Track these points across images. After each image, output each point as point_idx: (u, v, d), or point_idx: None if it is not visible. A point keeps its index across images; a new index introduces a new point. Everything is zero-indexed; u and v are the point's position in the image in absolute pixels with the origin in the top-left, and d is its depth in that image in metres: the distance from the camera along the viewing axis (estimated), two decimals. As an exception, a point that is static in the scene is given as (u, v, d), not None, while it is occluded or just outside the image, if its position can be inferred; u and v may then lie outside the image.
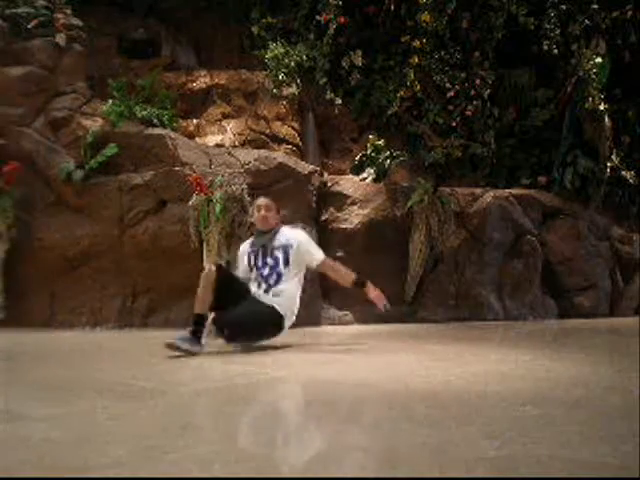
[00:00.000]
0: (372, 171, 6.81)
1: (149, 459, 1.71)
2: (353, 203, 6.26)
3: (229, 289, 3.78)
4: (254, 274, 4.04)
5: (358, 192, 6.34)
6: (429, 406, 2.49)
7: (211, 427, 2.23)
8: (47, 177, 5.64)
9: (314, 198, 6.08)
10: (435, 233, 6.10)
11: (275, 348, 3.95)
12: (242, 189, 5.35)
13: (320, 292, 5.76)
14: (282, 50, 6.93)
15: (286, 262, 3.97)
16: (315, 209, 6.10)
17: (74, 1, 6.38)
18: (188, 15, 8.23)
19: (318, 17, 7.00)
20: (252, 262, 4.08)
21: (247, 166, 5.79)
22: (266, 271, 3.98)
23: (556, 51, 6.99)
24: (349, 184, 6.46)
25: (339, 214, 6.21)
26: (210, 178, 5.44)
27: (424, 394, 2.72)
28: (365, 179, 6.73)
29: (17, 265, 5.48)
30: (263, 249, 4.05)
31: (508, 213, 6.57)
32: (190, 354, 3.49)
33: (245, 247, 4.26)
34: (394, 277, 6.16)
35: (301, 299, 4.13)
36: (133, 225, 5.57)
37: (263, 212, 4.14)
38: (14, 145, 5.64)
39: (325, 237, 6.05)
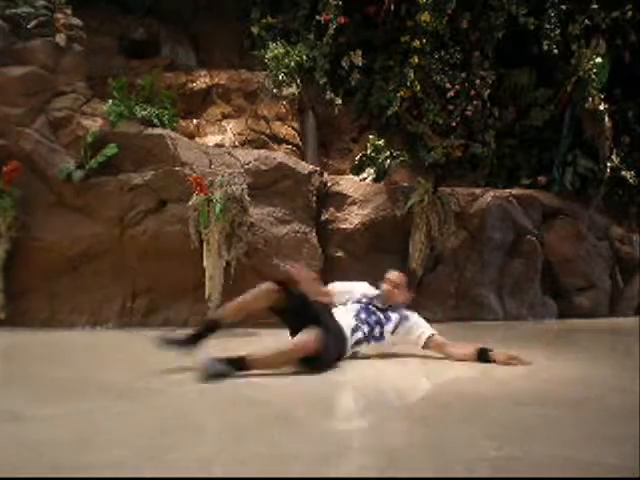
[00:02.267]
0: (372, 171, 6.81)
1: (149, 459, 1.71)
2: (353, 203, 6.25)
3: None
4: (354, 320, 3.62)
5: (358, 192, 6.33)
6: (429, 406, 2.49)
7: (211, 427, 2.23)
8: (47, 177, 5.63)
9: (314, 198, 6.07)
10: (435, 233, 6.11)
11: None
12: (242, 189, 5.34)
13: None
14: (282, 50, 6.92)
15: (394, 330, 3.69)
16: (315, 209, 6.09)
17: (74, 1, 6.37)
18: (188, 15, 8.22)
19: (318, 17, 6.99)
20: (356, 311, 3.69)
21: (247, 166, 5.79)
22: (372, 323, 3.66)
23: (556, 51, 6.98)
24: (349, 184, 6.45)
25: (339, 214, 6.20)
26: (210, 178, 5.43)
27: (424, 394, 2.72)
28: (365, 179, 6.73)
29: (17, 265, 5.48)
30: (376, 309, 3.74)
31: (508, 213, 6.57)
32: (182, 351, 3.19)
33: (358, 293, 3.88)
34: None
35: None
36: (133, 225, 5.56)
37: (389, 287, 3.83)
38: (14, 145, 5.63)
39: (325, 237, 6.06)
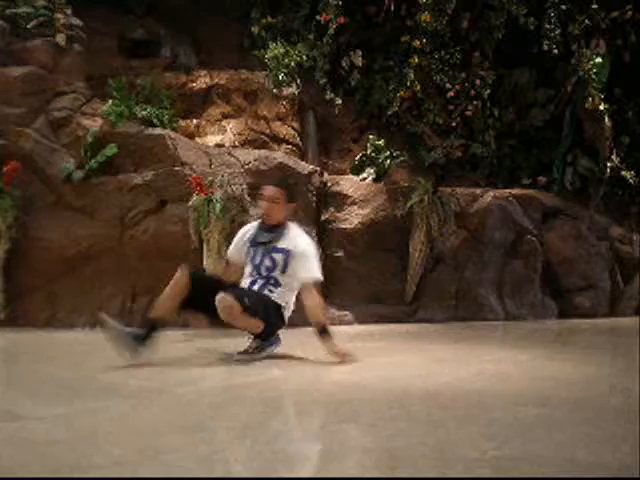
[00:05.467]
0: (372, 171, 6.80)
1: (149, 459, 1.71)
2: (353, 203, 6.25)
3: (204, 292, 3.53)
4: (249, 268, 3.72)
5: (358, 192, 6.33)
6: (429, 406, 2.49)
7: (211, 427, 2.23)
8: (47, 177, 5.63)
9: (314, 198, 6.08)
10: (435, 233, 6.10)
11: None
12: (242, 189, 5.35)
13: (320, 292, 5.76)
14: (282, 50, 6.92)
15: (283, 270, 3.63)
16: (315, 209, 6.10)
17: (74, 1, 6.37)
18: (188, 15, 8.21)
19: (318, 17, 6.99)
20: (250, 255, 3.74)
21: (247, 166, 5.79)
22: (263, 272, 3.65)
23: (556, 51, 6.97)
24: (349, 184, 6.45)
25: (339, 214, 6.20)
26: (210, 178, 5.43)
27: (424, 394, 2.72)
28: (365, 179, 6.73)
29: (17, 265, 5.48)
30: (264, 247, 3.68)
31: (508, 213, 6.57)
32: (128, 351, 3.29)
33: (248, 233, 3.86)
34: (394, 277, 6.17)
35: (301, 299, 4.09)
36: (133, 225, 5.57)
37: (266, 203, 3.71)
38: (14, 145, 5.63)
39: (325, 237, 6.06)
